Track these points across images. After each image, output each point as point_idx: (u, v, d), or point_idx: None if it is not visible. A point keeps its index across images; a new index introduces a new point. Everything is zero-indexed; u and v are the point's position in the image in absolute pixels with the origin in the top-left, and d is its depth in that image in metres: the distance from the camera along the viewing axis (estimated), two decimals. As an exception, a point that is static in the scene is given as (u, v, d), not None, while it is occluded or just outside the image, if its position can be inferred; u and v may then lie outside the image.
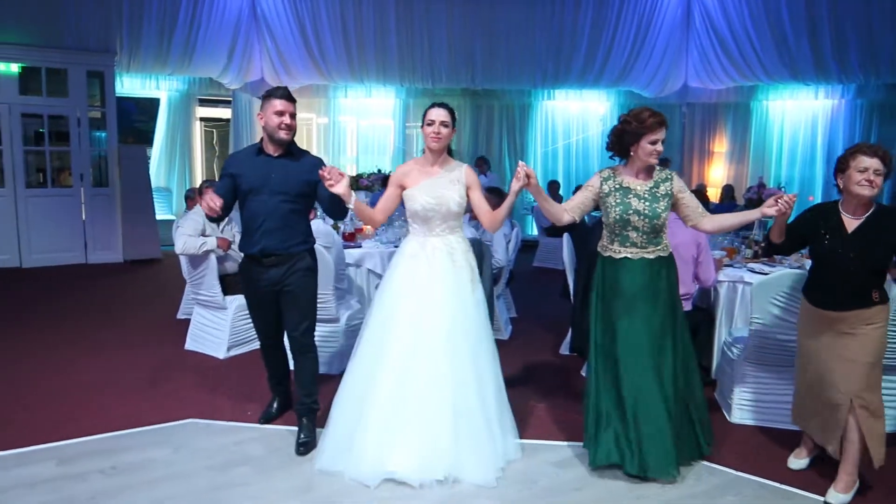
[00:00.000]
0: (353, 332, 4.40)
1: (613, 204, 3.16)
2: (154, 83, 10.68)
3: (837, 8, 9.84)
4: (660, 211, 3.12)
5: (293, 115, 3.32)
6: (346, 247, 5.01)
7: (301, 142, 12.11)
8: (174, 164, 11.25)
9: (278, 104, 3.27)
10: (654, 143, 3.10)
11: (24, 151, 8.55)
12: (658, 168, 3.22)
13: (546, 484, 3.08)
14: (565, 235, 4.87)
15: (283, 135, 3.28)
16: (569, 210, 3.26)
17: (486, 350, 3.22)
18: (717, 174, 12.12)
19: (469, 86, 11.78)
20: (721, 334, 4.38)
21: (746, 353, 3.70)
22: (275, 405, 3.78)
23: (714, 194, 10.56)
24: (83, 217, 8.94)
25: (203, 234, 4.75)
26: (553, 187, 10.16)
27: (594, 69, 11.56)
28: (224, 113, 11.54)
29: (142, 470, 3.14)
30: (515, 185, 2.99)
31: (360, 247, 5.25)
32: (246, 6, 10.53)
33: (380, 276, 5.24)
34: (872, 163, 2.81)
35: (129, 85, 10.38)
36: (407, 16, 10.94)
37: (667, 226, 3.21)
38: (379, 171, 9.14)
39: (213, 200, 3.12)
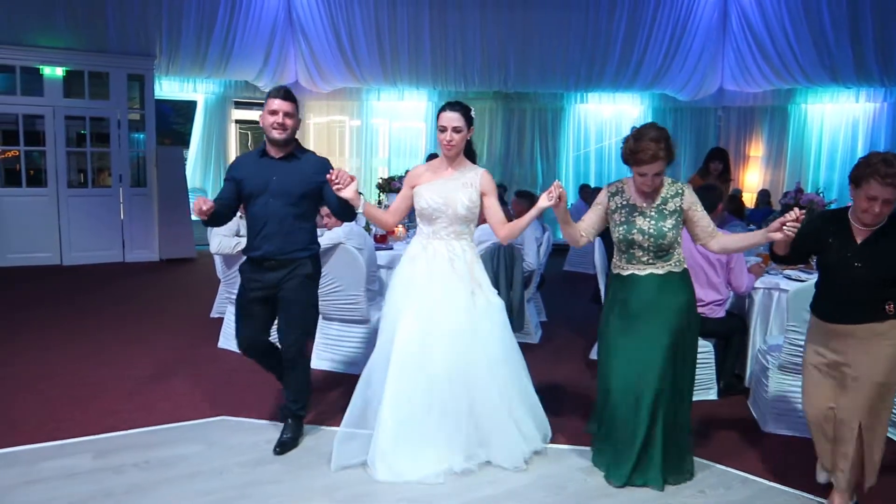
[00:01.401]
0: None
1: (618, 222, 3.05)
2: (191, 86, 10.90)
3: (881, 7, 9.56)
4: (666, 230, 2.97)
5: (289, 115, 3.21)
6: (377, 248, 5.04)
7: (333, 144, 12.37)
8: (210, 166, 11.47)
9: (273, 103, 3.19)
10: (642, 175, 2.93)
11: (67, 153, 8.80)
12: (670, 181, 3.05)
13: (574, 489, 3.06)
14: (597, 240, 4.83)
15: (276, 134, 3.20)
16: (583, 232, 3.16)
17: (503, 353, 3.19)
18: (752, 179, 11.91)
19: (501, 89, 11.77)
20: (755, 342, 4.31)
21: (782, 362, 3.63)
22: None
23: (749, 199, 10.38)
24: (121, 216, 9.16)
25: (237, 235, 4.82)
26: (585, 191, 10.09)
27: (628, 72, 11.46)
28: (259, 115, 11.71)
29: (175, 465, 3.20)
30: (544, 203, 2.92)
31: (391, 249, 5.28)
32: (282, 11, 10.69)
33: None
34: (884, 193, 2.55)
35: (168, 88, 10.61)
36: (440, 20, 10.98)
37: (679, 242, 3.06)
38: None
39: (202, 203, 3.05)
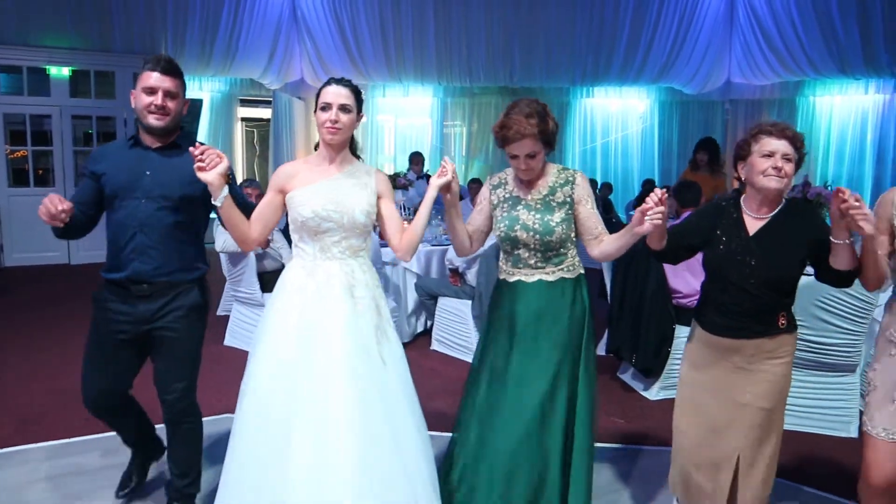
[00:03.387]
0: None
1: (499, 218, 2.52)
2: (197, 84, 10.93)
3: (890, -4, 9.50)
4: (553, 225, 2.43)
5: (170, 94, 2.41)
6: (382, 245, 5.04)
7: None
8: (216, 164, 11.48)
9: (149, 78, 2.39)
10: (514, 157, 2.43)
11: (74, 152, 8.85)
12: (559, 168, 2.56)
13: None
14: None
15: (153, 120, 2.41)
16: (472, 237, 2.60)
17: (410, 416, 2.29)
18: (760, 172, 11.83)
19: (507, 84, 11.74)
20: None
21: (788, 356, 3.60)
22: (134, 475, 2.92)
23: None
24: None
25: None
26: (591, 185, 10.06)
27: (634, 66, 11.41)
28: (264, 113, 11.74)
29: (182, 462, 3.21)
30: (434, 182, 2.35)
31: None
32: (286, 9, 10.71)
33: (416, 275, 5.28)
34: (780, 145, 2.18)
35: (174, 86, 10.64)
36: (445, 14, 10.97)
37: (571, 241, 2.49)
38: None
39: (56, 203, 2.21)
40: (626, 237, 2.33)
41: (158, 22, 9.23)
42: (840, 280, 2.19)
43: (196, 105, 11.34)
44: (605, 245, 2.45)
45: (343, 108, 2.30)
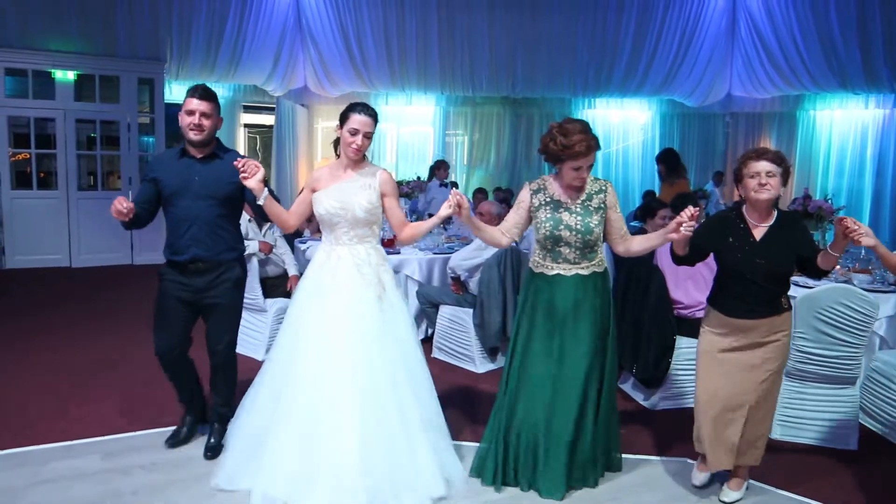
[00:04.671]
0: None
1: (544, 219, 2.98)
2: (201, 90, 10.98)
3: (890, 12, 9.56)
4: (593, 225, 2.94)
5: (206, 115, 3.11)
6: (389, 252, 5.05)
7: (341, 148, 12.37)
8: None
9: (191, 103, 3.10)
10: (577, 169, 2.89)
11: (77, 155, 8.88)
12: (592, 178, 3.03)
13: (580, 495, 3.05)
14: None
15: (192, 135, 3.11)
16: (506, 232, 3.11)
17: (408, 373, 2.94)
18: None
19: (509, 94, 11.80)
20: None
21: (789, 369, 3.62)
22: (185, 428, 3.49)
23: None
24: (131, 219, 9.20)
25: (246, 238, 4.85)
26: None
27: (636, 78, 11.47)
28: (268, 119, 11.78)
29: (183, 466, 3.22)
30: (444, 212, 2.88)
31: (398, 252, 5.30)
32: (291, 16, 10.75)
33: (418, 283, 5.30)
34: (761, 166, 2.80)
35: (178, 91, 10.67)
36: (449, 24, 11.04)
37: (601, 240, 3.02)
38: (418, 178, 9.20)
39: (121, 203, 2.95)
40: (657, 240, 2.94)
41: (163, 27, 9.27)
42: (820, 274, 2.85)
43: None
44: (633, 243, 3.02)
45: (367, 136, 2.98)
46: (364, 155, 3.08)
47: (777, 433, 3.68)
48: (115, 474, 3.12)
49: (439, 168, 9.28)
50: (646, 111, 12.39)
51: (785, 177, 2.84)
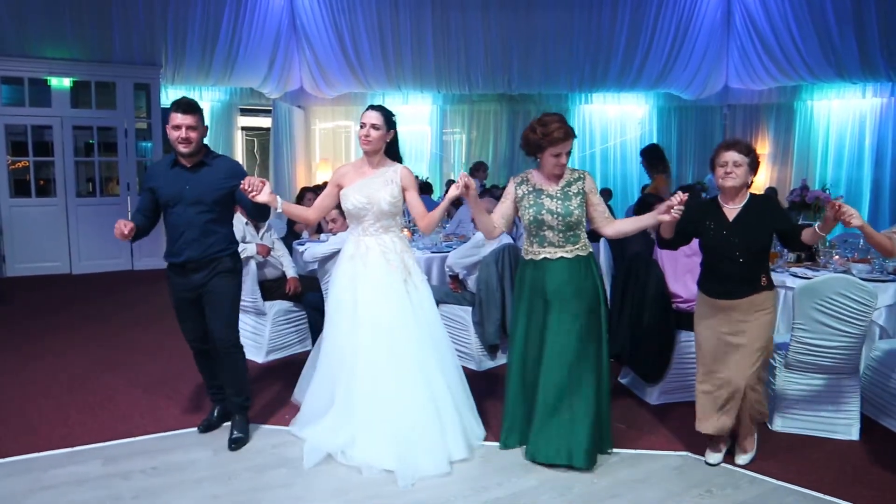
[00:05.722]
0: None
1: (528, 205, 3.26)
2: (197, 94, 10.94)
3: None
4: (572, 208, 3.21)
5: (192, 128, 3.28)
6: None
7: (339, 149, 12.41)
8: (216, 173, 11.49)
9: (175, 118, 3.28)
10: (556, 155, 3.17)
11: (75, 162, 8.88)
12: (569, 169, 3.30)
13: (580, 491, 3.06)
14: (602, 241, 4.83)
15: (182, 148, 3.29)
16: (497, 223, 3.38)
17: (434, 346, 3.33)
18: (759, 177, 11.74)
19: (505, 91, 11.78)
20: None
21: (789, 360, 3.62)
22: (215, 413, 3.75)
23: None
24: (130, 225, 9.21)
25: (243, 241, 4.85)
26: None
27: (632, 72, 11.45)
28: (264, 122, 11.77)
29: (183, 470, 3.23)
30: (453, 192, 3.13)
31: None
32: (286, 18, 10.74)
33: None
34: (730, 156, 3.10)
35: (174, 96, 10.61)
36: (443, 22, 11.02)
37: (583, 224, 3.28)
38: (416, 177, 9.19)
39: (123, 227, 3.25)
40: (647, 220, 3.21)
41: (159, 32, 9.26)
42: (804, 248, 3.26)
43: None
44: (621, 224, 3.33)
45: (373, 126, 3.30)
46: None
47: (778, 424, 3.68)
48: (115, 479, 3.13)
49: (478, 170, 9.42)
50: (643, 105, 12.37)
51: (753, 167, 3.13)
